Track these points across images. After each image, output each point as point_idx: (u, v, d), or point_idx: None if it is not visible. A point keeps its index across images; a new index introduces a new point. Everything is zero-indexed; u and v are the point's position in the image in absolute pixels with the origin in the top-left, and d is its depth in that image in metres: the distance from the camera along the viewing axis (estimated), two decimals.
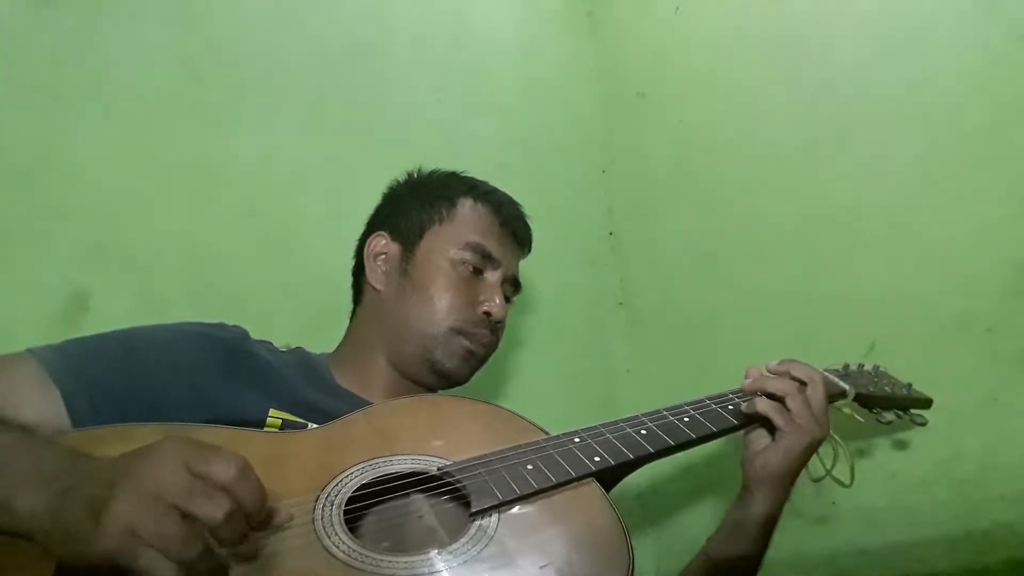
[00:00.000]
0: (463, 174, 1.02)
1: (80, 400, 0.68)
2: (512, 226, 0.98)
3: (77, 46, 1.06)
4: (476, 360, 0.92)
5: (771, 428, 0.83)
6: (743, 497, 0.83)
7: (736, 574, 0.83)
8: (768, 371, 0.88)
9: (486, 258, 0.93)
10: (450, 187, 0.98)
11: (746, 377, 0.87)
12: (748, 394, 0.86)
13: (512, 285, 0.99)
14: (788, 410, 0.81)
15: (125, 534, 0.47)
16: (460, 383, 0.94)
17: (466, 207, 0.95)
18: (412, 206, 0.97)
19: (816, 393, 0.83)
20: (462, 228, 0.94)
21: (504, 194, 1.01)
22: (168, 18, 1.14)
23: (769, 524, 0.82)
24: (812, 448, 0.82)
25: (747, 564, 0.82)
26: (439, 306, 0.89)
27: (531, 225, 1.03)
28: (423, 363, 0.90)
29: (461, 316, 0.89)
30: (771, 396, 0.83)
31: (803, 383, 0.84)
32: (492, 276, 0.93)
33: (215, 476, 0.50)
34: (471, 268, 0.92)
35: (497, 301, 0.91)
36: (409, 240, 0.94)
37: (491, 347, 0.94)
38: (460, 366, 0.90)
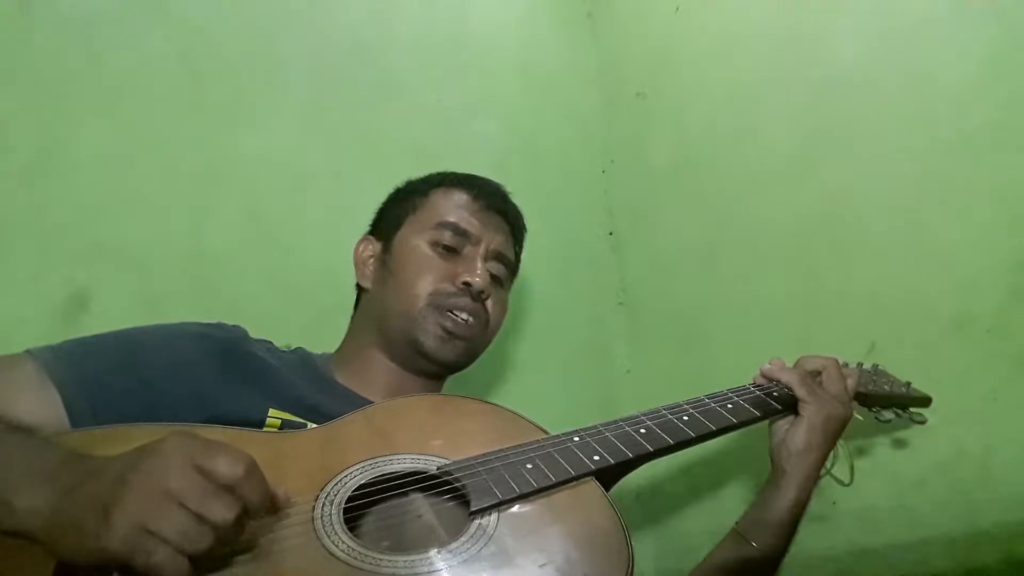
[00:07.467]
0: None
1: (79, 400, 0.68)
2: (492, 204, 0.97)
3: (77, 46, 1.06)
4: (459, 340, 0.90)
5: (791, 412, 0.86)
6: (772, 480, 0.85)
7: (764, 560, 0.84)
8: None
9: (462, 235, 0.93)
10: (425, 181, 1.00)
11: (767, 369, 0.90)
12: (768, 379, 0.89)
13: (501, 264, 0.97)
14: (811, 384, 0.85)
15: (136, 531, 0.47)
16: (450, 365, 0.92)
17: (439, 194, 0.97)
18: (391, 206, 1.00)
19: (837, 372, 0.88)
20: (435, 212, 0.95)
21: (481, 177, 1.01)
22: (168, 18, 1.14)
23: (797, 507, 0.83)
24: (831, 422, 0.84)
25: (774, 549, 0.83)
26: (415, 284, 0.89)
27: (517, 205, 1.02)
28: (407, 344, 0.89)
29: (439, 289, 0.89)
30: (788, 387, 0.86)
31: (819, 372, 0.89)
32: (471, 251, 0.93)
33: (223, 475, 0.50)
34: (447, 247, 0.92)
35: (478, 269, 0.90)
36: (388, 235, 0.96)
37: (478, 319, 0.91)
38: (440, 345, 0.88)
